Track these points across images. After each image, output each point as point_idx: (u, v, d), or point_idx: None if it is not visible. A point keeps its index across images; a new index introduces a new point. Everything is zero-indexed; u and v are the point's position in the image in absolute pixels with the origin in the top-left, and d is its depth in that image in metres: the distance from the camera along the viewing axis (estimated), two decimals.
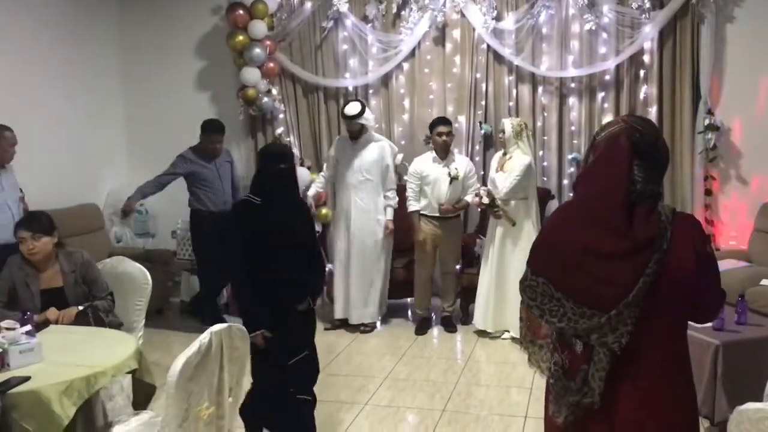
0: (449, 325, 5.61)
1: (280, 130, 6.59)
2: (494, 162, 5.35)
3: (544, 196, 5.74)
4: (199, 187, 5.56)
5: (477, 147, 6.22)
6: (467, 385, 4.50)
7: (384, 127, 6.40)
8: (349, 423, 3.97)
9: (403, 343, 5.37)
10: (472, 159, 6.12)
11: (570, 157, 6.06)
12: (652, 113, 5.78)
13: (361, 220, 5.52)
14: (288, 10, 6.44)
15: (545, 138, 6.12)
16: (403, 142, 6.36)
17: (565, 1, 5.89)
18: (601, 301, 1.81)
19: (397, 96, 6.40)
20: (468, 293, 5.66)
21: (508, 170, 5.11)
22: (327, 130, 6.54)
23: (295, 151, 6.52)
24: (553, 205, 6.02)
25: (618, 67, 5.87)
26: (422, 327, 5.61)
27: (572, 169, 6.09)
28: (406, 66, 6.34)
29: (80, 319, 3.49)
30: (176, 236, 6.66)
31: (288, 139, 6.60)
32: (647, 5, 5.61)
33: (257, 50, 6.23)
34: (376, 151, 5.55)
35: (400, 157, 6.19)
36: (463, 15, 6.09)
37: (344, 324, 5.68)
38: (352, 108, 5.40)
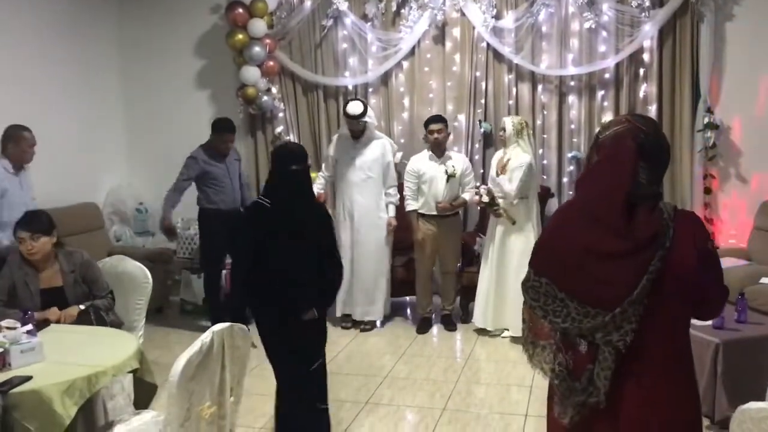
0: (449, 324, 5.61)
1: (279, 129, 6.60)
2: (494, 161, 5.34)
3: (543, 194, 5.75)
4: (210, 186, 5.53)
5: (477, 145, 6.21)
6: (467, 384, 4.51)
7: (384, 125, 6.40)
8: (350, 422, 3.97)
9: (403, 341, 5.37)
10: (471, 157, 6.13)
11: (570, 155, 6.06)
12: (652, 111, 5.78)
13: (365, 218, 5.52)
14: (288, 8, 6.44)
15: (545, 136, 6.12)
16: (402, 141, 6.36)
17: None
18: (604, 300, 1.81)
19: (397, 94, 6.40)
20: (468, 292, 5.66)
21: (510, 170, 5.10)
22: (327, 128, 6.54)
23: None
24: (552, 203, 6.03)
25: (618, 65, 5.87)
26: (423, 326, 5.61)
27: (572, 168, 6.09)
28: (405, 64, 6.34)
29: (82, 319, 3.49)
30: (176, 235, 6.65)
31: (287, 137, 6.60)
32: (647, 4, 5.61)
33: (257, 49, 6.23)
34: (378, 149, 5.56)
35: (399, 155, 6.19)
36: (462, 13, 6.08)
37: (348, 320, 5.69)
38: (356, 107, 5.39)
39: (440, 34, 6.22)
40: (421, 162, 5.49)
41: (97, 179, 6.65)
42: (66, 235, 4.13)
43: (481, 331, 5.42)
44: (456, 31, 6.17)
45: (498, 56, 6.11)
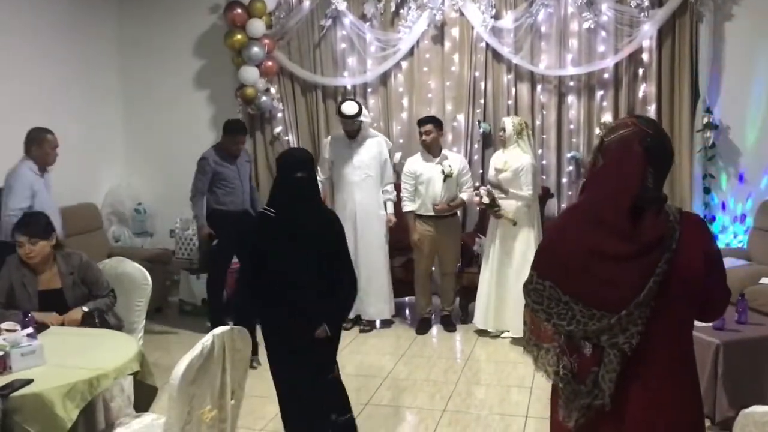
0: (448, 324, 5.61)
1: (278, 129, 6.59)
2: (493, 162, 5.33)
3: (543, 195, 5.74)
4: (220, 187, 5.50)
5: (476, 145, 6.21)
6: (467, 385, 4.51)
7: (383, 125, 6.40)
8: None
9: (402, 342, 5.37)
10: (471, 157, 6.13)
11: (569, 155, 6.06)
12: (651, 111, 5.78)
13: (367, 218, 5.51)
14: (286, 8, 6.43)
15: (544, 136, 6.11)
16: (401, 141, 6.36)
17: None
18: (610, 302, 1.81)
19: (396, 95, 6.39)
20: (468, 292, 5.66)
21: (512, 171, 5.09)
22: (325, 128, 6.53)
23: None
24: (552, 203, 6.03)
25: (617, 65, 5.86)
26: (423, 327, 5.60)
27: (571, 168, 6.09)
28: (404, 65, 6.33)
29: (86, 323, 3.48)
30: (174, 235, 6.66)
31: (286, 138, 6.60)
32: (646, 3, 5.60)
33: (255, 49, 6.22)
34: (375, 147, 5.56)
35: (398, 155, 6.20)
36: (461, 13, 6.07)
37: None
38: (351, 108, 5.39)
39: (439, 34, 6.21)
40: (416, 163, 5.48)
41: (96, 180, 6.65)
42: (65, 235, 4.11)
43: (482, 332, 5.42)
44: (455, 31, 6.17)
45: (497, 56, 6.11)
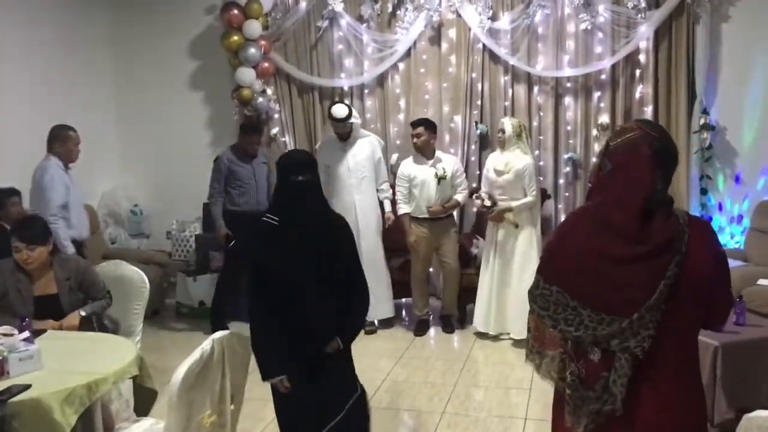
0: (447, 326, 5.59)
1: (275, 131, 6.58)
2: (490, 163, 5.31)
3: (540, 196, 5.72)
4: (234, 187, 5.52)
5: (473, 147, 6.20)
6: (466, 387, 4.50)
7: (379, 127, 6.39)
8: None
9: (400, 344, 5.36)
10: (468, 159, 6.13)
11: (566, 156, 6.06)
12: (648, 113, 5.80)
13: (366, 218, 5.50)
14: (283, 9, 6.42)
15: (541, 138, 6.11)
16: (398, 142, 6.35)
17: (561, 0, 5.89)
18: (620, 306, 1.81)
19: (393, 96, 6.39)
20: (466, 294, 5.64)
21: (513, 171, 5.10)
22: (322, 130, 6.51)
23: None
24: (549, 205, 6.03)
25: (614, 66, 5.87)
26: (420, 328, 5.60)
27: (568, 169, 6.09)
28: (401, 66, 6.32)
29: (83, 327, 3.46)
30: (171, 237, 6.64)
31: (283, 139, 6.59)
32: (643, 5, 5.61)
33: (252, 50, 6.20)
34: (368, 147, 5.56)
35: (395, 156, 6.20)
36: (458, 15, 6.07)
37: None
38: (341, 110, 5.38)
39: (436, 35, 6.21)
40: (410, 166, 5.49)
41: (92, 181, 6.60)
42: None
43: (481, 334, 5.39)
44: (452, 33, 6.16)
45: (494, 57, 6.10)
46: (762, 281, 4.80)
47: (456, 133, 6.22)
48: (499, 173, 5.17)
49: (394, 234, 5.63)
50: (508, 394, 4.38)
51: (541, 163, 6.09)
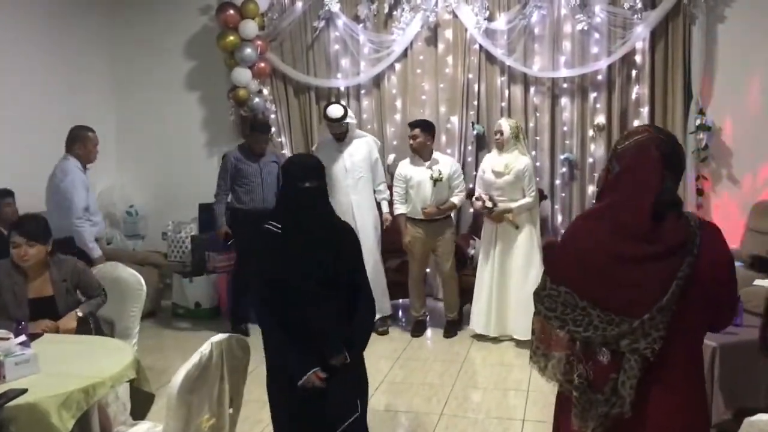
0: (449, 331, 5.55)
1: (271, 131, 6.55)
2: (487, 164, 5.30)
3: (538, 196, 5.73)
4: (240, 185, 5.53)
5: (470, 147, 6.20)
6: (464, 389, 4.49)
7: (376, 127, 6.39)
8: None
9: (397, 345, 5.35)
10: (464, 159, 6.12)
11: (562, 157, 6.06)
12: (644, 113, 5.80)
13: (363, 219, 5.48)
14: (279, 9, 6.41)
15: (537, 138, 6.11)
16: (395, 143, 6.35)
17: (557, 1, 5.88)
18: (631, 306, 1.82)
19: (390, 96, 6.38)
20: (463, 294, 5.60)
21: (513, 172, 5.10)
22: (318, 130, 6.50)
23: (286, 151, 6.49)
24: (545, 205, 6.02)
25: (610, 67, 5.87)
26: (417, 329, 5.59)
27: (564, 169, 6.09)
28: (398, 66, 6.31)
29: (80, 328, 3.44)
30: (167, 238, 6.62)
31: (279, 139, 6.57)
32: (639, 5, 5.61)
33: (248, 50, 6.19)
34: (364, 148, 5.55)
35: (392, 157, 6.19)
36: (455, 15, 6.06)
37: None
38: (336, 111, 5.37)
39: (433, 35, 6.20)
40: (406, 167, 5.48)
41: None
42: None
43: (480, 336, 5.36)
44: (448, 33, 6.15)
45: (490, 58, 6.10)
46: (759, 282, 4.80)
47: (453, 133, 6.21)
48: (498, 174, 5.16)
49: (390, 235, 5.62)
50: (507, 396, 4.37)
51: (538, 163, 6.08)
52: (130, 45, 6.82)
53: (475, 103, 6.16)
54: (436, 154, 5.45)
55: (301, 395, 2.67)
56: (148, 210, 6.91)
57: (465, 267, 5.70)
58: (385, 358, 5.07)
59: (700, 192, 5.74)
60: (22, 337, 2.88)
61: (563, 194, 6.11)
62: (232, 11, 6.14)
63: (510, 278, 5.16)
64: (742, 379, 3.67)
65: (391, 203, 5.57)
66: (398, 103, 6.37)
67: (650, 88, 5.80)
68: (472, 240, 5.83)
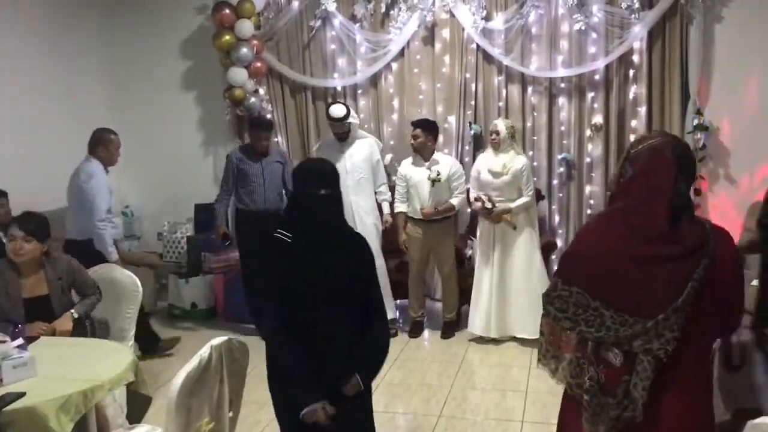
0: (446, 332, 5.54)
1: (273, 128, 6.52)
2: (482, 165, 5.29)
3: (535, 196, 5.72)
4: (242, 186, 5.50)
5: (467, 147, 6.18)
6: (462, 389, 4.48)
7: (373, 127, 6.36)
8: None
9: (395, 346, 5.29)
10: (462, 159, 6.09)
11: (560, 157, 6.05)
12: (642, 113, 5.80)
13: (365, 220, 5.46)
14: (275, 9, 6.38)
15: (535, 138, 6.09)
16: (392, 142, 6.33)
17: (555, 1, 5.86)
18: (645, 307, 1.82)
19: (386, 96, 6.35)
20: (460, 295, 5.60)
21: (511, 172, 5.11)
22: (315, 130, 6.49)
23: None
24: (543, 205, 6.01)
25: (607, 67, 5.85)
26: (415, 330, 5.58)
27: (562, 169, 6.07)
28: (395, 66, 6.29)
29: (77, 330, 3.41)
30: (163, 238, 6.59)
31: (276, 139, 6.54)
32: (636, 5, 5.60)
33: (244, 50, 6.16)
34: (366, 148, 5.53)
35: (389, 157, 6.17)
36: (452, 15, 6.04)
37: None
38: (339, 110, 5.35)
39: (430, 35, 6.18)
40: (408, 166, 5.47)
41: None
42: (52, 239, 4.03)
43: (479, 338, 5.33)
44: (445, 33, 6.13)
45: (488, 58, 6.08)
46: (756, 282, 4.80)
47: (450, 133, 6.20)
48: (496, 175, 5.14)
49: (389, 234, 5.62)
50: (505, 397, 4.36)
51: (535, 163, 6.07)
52: (124, 45, 6.78)
53: (473, 102, 6.14)
54: (437, 155, 5.42)
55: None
56: (144, 210, 6.89)
57: (463, 267, 5.69)
58: None
59: (697, 192, 5.74)
60: (20, 341, 2.86)
61: (561, 194, 6.10)
62: (228, 11, 6.10)
63: (510, 279, 5.16)
64: (740, 380, 3.67)
65: (392, 204, 5.56)
66: (395, 103, 6.36)
67: (648, 87, 5.79)
68: (470, 240, 5.82)
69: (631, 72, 5.84)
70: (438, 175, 5.27)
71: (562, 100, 6.03)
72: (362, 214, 5.48)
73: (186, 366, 2.41)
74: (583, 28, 5.79)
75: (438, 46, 6.17)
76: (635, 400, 1.81)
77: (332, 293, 2.50)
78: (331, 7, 6.17)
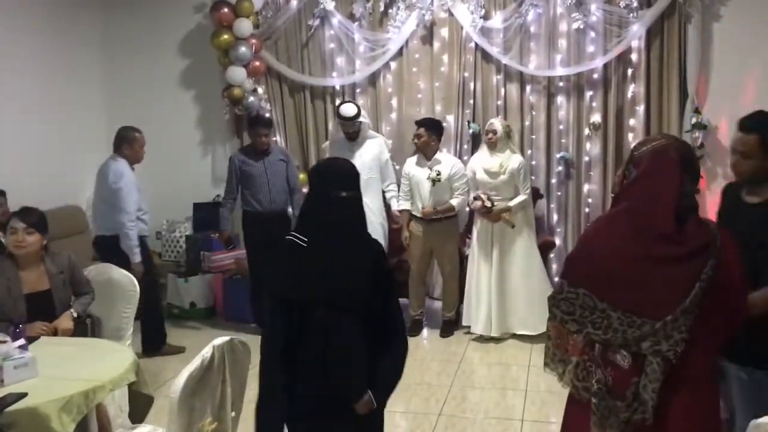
0: (445, 331, 5.55)
1: (272, 125, 6.51)
2: (478, 164, 5.29)
3: (532, 195, 5.72)
4: (247, 187, 5.48)
5: (465, 146, 6.18)
6: (462, 388, 4.49)
7: (372, 126, 6.35)
8: None
9: None
10: (460, 158, 6.08)
11: (558, 156, 6.05)
12: (640, 112, 5.80)
13: (373, 220, 5.39)
14: (273, 8, 6.38)
15: (533, 137, 6.09)
16: (390, 142, 6.32)
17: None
18: (654, 307, 1.82)
19: (385, 95, 6.35)
20: (460, 294, 5.61)
21: (508, 171, 5.13)
22: (314, 129, 6.49)
23: None
24: (541, 204, 6.02)
25: (606, 65, 5.86)
26: (414, 328, 5.57)
27: (560, 168, 6.08)
28: (393, 65, 6.29)
29: (78, 329, 3.41)
30: (161, 237, 6.58)
31: (274, 138, 6.53)
32: (635, 4, 5.60)
33: (242, 49, 6.15)
34: (376, 148, 5.55)
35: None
36: (450, 13, 6.04)
37: None
38: (350, 109, 5.36)
39: (428, 34, 6.18)
40: (411, 165, 5.48)
41: (81, 182, 6.50)
42: (50, 238, 4.04)
43: (480, 337, 5.33)
44: (444, 32, 6.13)
45: (486, 57, 6.08)
46: None
47: (448, 132, 6.17)
48: (494, 175, 5.16)
49: (390, 232, 5.63)
50: (505, 395, 4.37)
51: (534, 162, 6.07)
52: (123, 44, 6.77)
53: (471, 101, 6.14)
54: (440, 155, 5.41)
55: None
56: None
57: (462, 266, 5.70)
58: None
59: (695, 191, 5.75)
60: (21, 341, 2.86)
61: (559, 193, 6.10)
62: (226, 9, 6.10)
63: (510, 277, 5.18)
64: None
65: (398, 199, 5.60)
66: (394, 102, 6.35)
67: (646, 86, 5.80)
68: (468, 239, 5.82)
69: (630, 71, 5.85)
70: (438, 174, 5.27)
71: (560, 99, 6.03)
72: (369, 214, 5.45)
73: (188, 366, 2.41)
74: (581, 27, 5.79)
75: (437, 45, 6.17)
76: (645, 402, 1.80)
77: (349, 304, 2.30)
78: (330, 6, 6.17)
